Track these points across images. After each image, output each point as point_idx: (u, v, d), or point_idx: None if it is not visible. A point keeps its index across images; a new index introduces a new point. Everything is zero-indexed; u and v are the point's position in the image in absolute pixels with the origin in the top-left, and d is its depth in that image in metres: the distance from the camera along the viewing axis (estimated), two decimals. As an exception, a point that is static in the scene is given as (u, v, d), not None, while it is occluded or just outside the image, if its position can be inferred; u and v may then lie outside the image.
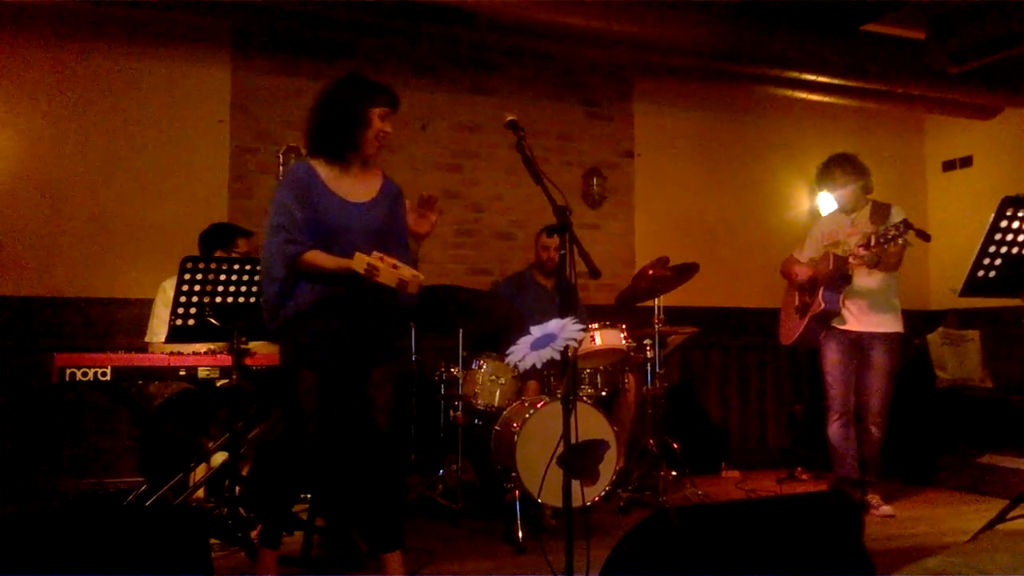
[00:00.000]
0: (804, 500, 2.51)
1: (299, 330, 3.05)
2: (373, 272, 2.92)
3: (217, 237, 4.40)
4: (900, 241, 4.07)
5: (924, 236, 4.08)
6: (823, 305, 4.40)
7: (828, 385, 4.56)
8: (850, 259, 4.25)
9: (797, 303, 4.70)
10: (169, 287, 4.25)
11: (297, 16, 4.77)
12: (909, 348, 5.82)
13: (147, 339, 4.32)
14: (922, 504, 4.80)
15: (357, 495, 3.24)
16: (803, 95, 5.94)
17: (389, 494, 3.21)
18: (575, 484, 3.21)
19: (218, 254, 4.34)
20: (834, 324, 4.51)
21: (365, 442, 3.14)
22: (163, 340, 4.03)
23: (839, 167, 4.55)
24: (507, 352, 2.43)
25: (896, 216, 4.41)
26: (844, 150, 4.67)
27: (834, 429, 4.52)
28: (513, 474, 3.94)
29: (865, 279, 4.44)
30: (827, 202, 6.35)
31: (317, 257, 3.03)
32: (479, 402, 4.50)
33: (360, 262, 2.92)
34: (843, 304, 4.45)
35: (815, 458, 5.55)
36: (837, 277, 4.39)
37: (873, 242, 4.12)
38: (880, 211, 4.49)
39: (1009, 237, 3.48)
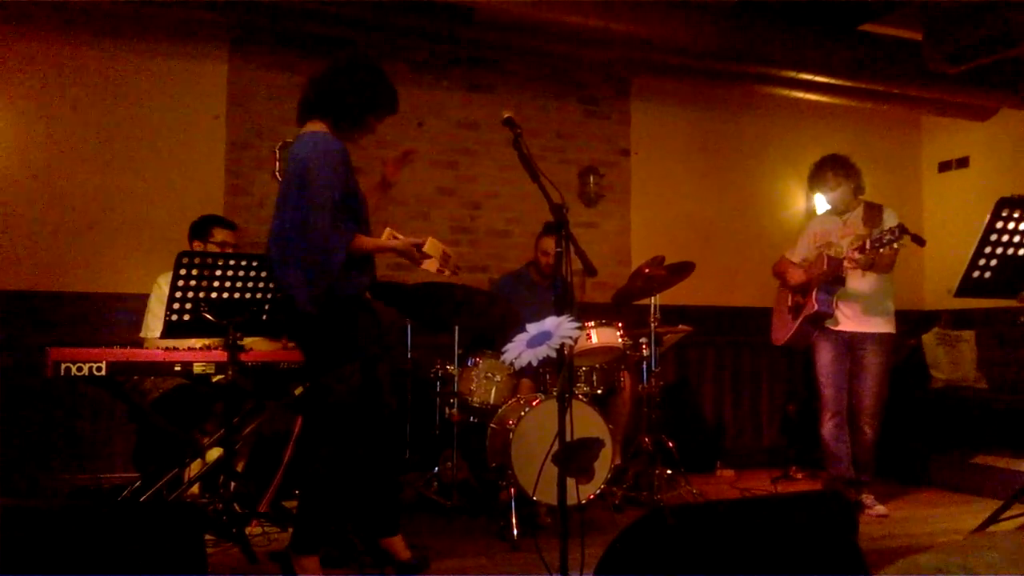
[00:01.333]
0: (799, 500, 2.51)
1: (357, 316, 3.13)
2: (446, 258, 2.95)
3: (195, 228, 4.43)
4: (896, 246, 4.08)
5: (919, 241, 4.09)
6: (816, 307, 4.41)
7: (821, 385, 4.56)
8: (845, 262, 4.26)
9: (790, 303, 4.71)
10: (164, 282, 4.25)
11: (295, 12, 4.76)
12: (904, 348, 5.84)
13: (142, 334, 4.32)
14: (916, 504, 4.81)
15: (370, 480, 3.28)
16: (800, 95, 5.94)
17: (395, 477, 3.38)
18: (570, 482, 3.22)
19: (196, 244, 4.34)
20: (827, 325, 4.52)
21: (381, 426, 3.24)
22: (158, 335, 4.02)
23: (831, 168, 4.55)
24: (503, 350, 2.43)
25: (889, 217, 4.42)
26: (840, 150, 4.68)
27: (828, 429, 4.52)
28: (508, 472, 3.94)
29: (859, 281, 4.44)
30: (822, 202, 6.36)
31: (364, 241, 3.10)
32: (474, 400, 4.50)
33: (436, 247, 2.93)
34: (836, 306, 4.46)
35: (809, 457, 5.56)
36: (831, 279, 4.40)
37: (868, 246, 4.12)
38: (872, 212, 4.49)
39: (1005, 238, 3.48)
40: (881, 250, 4.11)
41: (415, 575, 3.29)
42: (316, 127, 3.19)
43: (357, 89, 3.19)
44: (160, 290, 4.27)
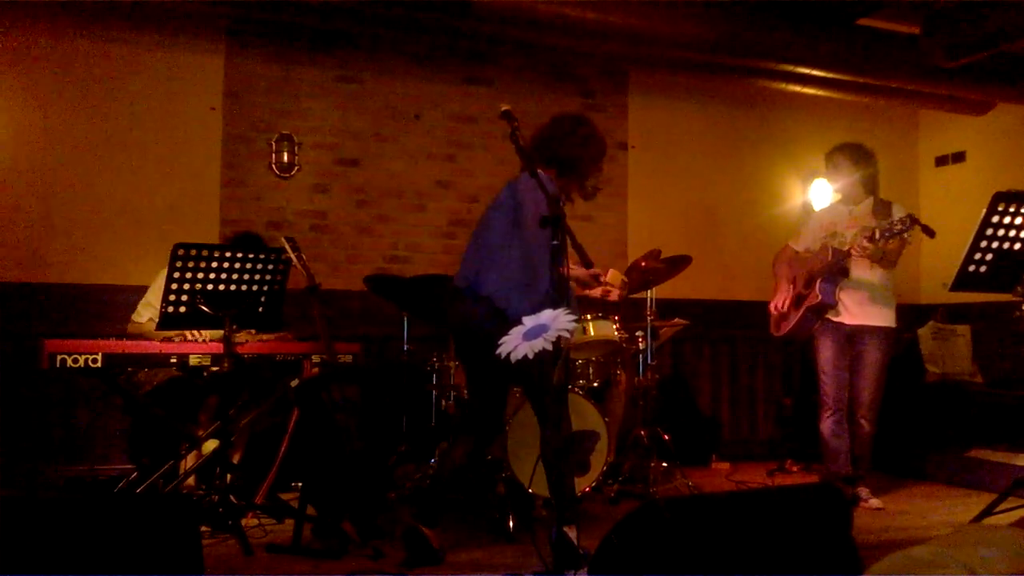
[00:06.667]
0: (794, 492, 2.52)
1: None
2: (624, 286, 3.60)
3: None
4: (906, 236, 4.02)
5: (929, 232, 4.01)
6: (820, 297, 4.37)
7: (822, 382, 4.51)
8: (853, 252, 4.20)
9: (791, 293, 4.67)
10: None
11: (292, 4, 4.75)
12: (899, 342, 5.84)
13: (133, 317, 4.28)
14: (911, 498, 4.82)
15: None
16: (798, 88, 5.94)
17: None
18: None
19: None
20: (829, 316, 4.48)
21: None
22: (144, 321, 4.03)
23: (848, 153, 4.50)
24: (499, 342, 2.43)
25: (897, 212, 4.40)
26: (838, 144, 4.64)
27: (827, 425, 4.47)
28: (504, 464, 3.94)
29: (862, 273, 4.41)
30: (820, 196, 6.37)
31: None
32: (470, 392, 4.49)
33: (617, 277, 3.48)
34: (838, 297, 4.42)
35: (805, 451, 5.57)
36: (836, 270, 4.37)
37: (878, 235, 4.07)
38: (882, 207, 4.46)
39: (1000, 232, 3.49)
40: (891, 240, 4.06)
41: (435, 564, 3.31)
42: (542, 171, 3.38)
43: (581, 141, 3.52)
44: (159, 281, 4.26)
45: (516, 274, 3.25)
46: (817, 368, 4.56)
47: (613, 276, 3.64)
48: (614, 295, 3.57)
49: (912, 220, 3.98)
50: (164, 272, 4.28)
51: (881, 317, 4.46)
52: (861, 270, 4.41)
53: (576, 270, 3.55)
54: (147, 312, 4.18)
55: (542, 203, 3.07)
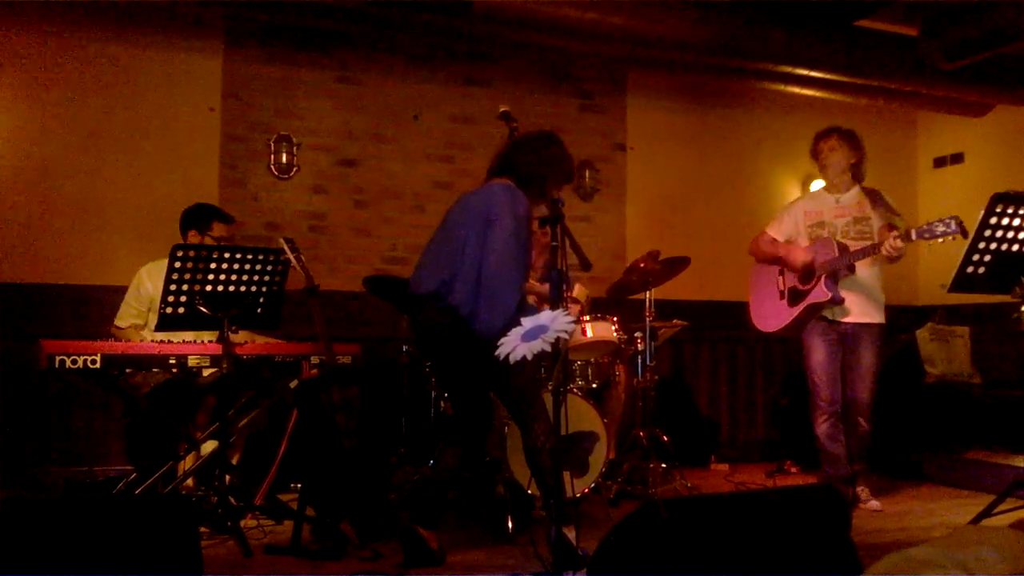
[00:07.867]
0: (792, 494, 2.52)
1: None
2: (589, 300, 3.67)
3: (194, 218, 4.33)
4: (950, 239, 3.86)
5: (966, 234, 3.78)
6: (829, 295, 4.24)
7: (815, 384, 4.42)
8: (883, 251, 4.06)
9: (782, 287, 4.55)
10: (146, 274, 4.24)
11: (291, 5, 4.75)
12: (897, 343, 5.85)
13: (116, 322, 4.26)
14: (910, 499, 4.82)
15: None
16: (796, 90, 5.94)
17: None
18: (565, 475, 3.23)
19: (192, 234, 4.28)
20: (823, 314, 4.40)
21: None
22: (125, 327, 4.10)
23: (847, 138, 4.45)
24: (498, 343, 2.43)
25: (889, 201, 4.39)
26: (830, 127, 4.58)
27: (823, 429, 4.41)
28: (503, 465, 3.94)
29: (860, 269, 4.33)
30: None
31: (528, 284, 3.41)
32: (469, 393, 4.49)
33: (582, 292, 3.65)
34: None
35: (803, 451, 5.56)
36: (844, 267, 4.27)
37: (915, 236, 3.96)
38: (874, 196, 4.41)
39: (999, 234, 3.49)
40: (931, 242, 3.95)
41: (435, 566, 3.31)
42: (503, 181, 3.51)
43: (545, 159, 3.53)
44: (140, 280, 4.24)
45: (487, 286, 3.23)
46: (808, 370, 4.47)
47: (579, 291, 3.69)
48: (573, 311, 3.63)
49: (958, 223, 3.83)
50: (141, 271, 4.30)
51: (875, 315, 4.41)
52: (859, 267, 4.32)
53: (538, 286, 3.58)
54: (129, 316, 4.18)
55: (522, 214, 3.22)
